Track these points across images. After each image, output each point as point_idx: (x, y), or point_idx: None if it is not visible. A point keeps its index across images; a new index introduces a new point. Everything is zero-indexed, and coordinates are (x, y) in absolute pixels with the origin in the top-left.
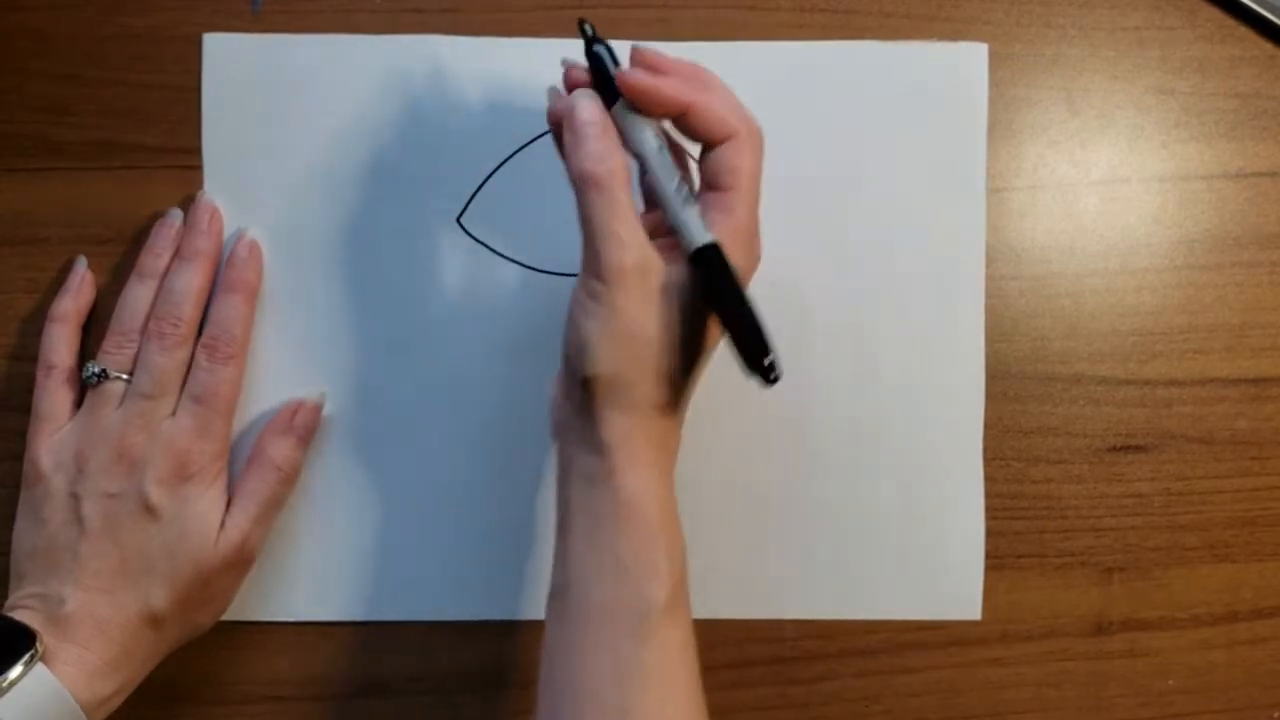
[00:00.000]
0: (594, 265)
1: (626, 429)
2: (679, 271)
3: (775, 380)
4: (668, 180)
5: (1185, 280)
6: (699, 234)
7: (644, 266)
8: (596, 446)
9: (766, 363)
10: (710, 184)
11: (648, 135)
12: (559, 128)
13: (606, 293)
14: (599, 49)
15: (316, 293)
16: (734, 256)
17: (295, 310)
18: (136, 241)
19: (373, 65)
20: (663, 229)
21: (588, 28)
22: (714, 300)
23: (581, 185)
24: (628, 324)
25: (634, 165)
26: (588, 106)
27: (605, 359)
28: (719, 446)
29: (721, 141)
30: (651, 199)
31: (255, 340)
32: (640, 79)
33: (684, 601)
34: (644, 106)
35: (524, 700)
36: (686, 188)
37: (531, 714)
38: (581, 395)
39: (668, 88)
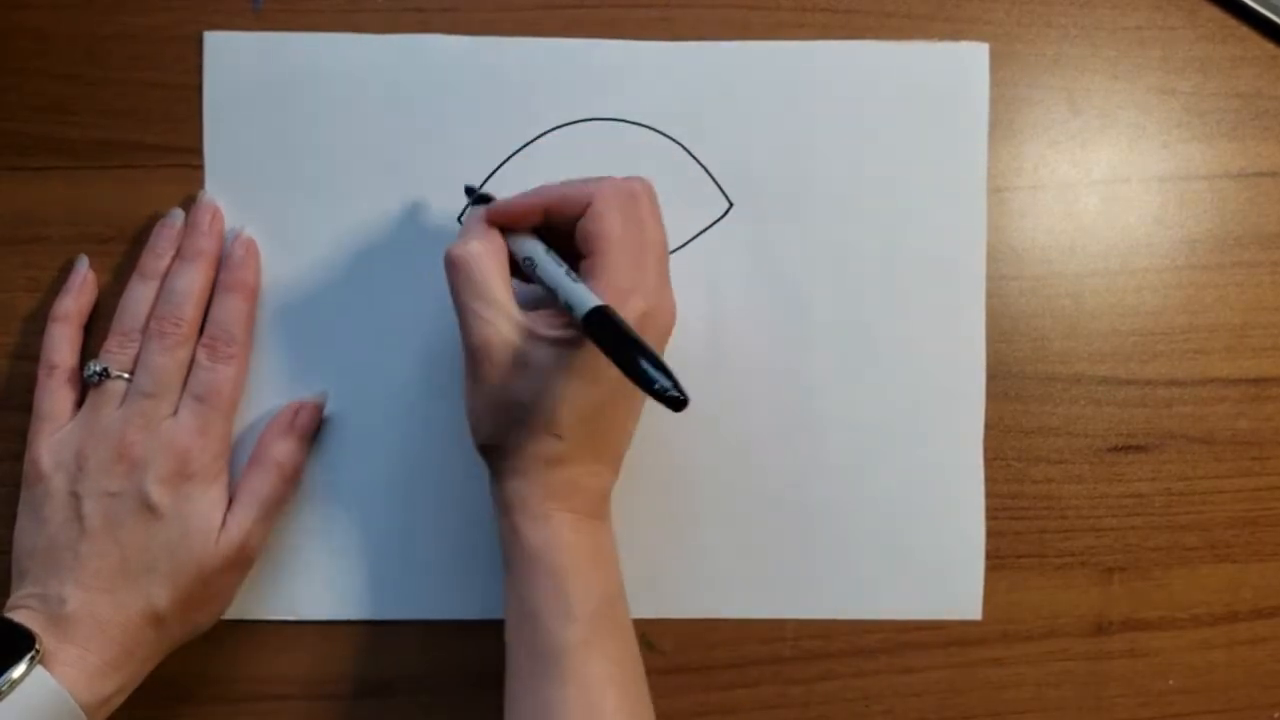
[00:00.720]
0: (463, 341)
1: (521, 489)
2: (572, 336)
3: (683, 403)
4: (554, 270)
5: (1186, 280)
6: (580, 305)
7: (506, 338)
8: (501, 506)
9: (668, 394)
10: (582, 255)
11: (524, 243)
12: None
13: (474, 366)
14: (475, 203)
15: (317, 292)
16: (622, 311)
17: (296, 309)
18: (137, 241)
19: (373, 64)
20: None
21: (469, 193)
22: (609, 355)
23: (446, 269)
24: (496, 394)
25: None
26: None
27: (483, 429)
28: (719, 446)
29: (582, 215)
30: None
31: (256, 339)
32: (496, 207)
33: (607, 631)
34: (510, 224)
35: None
36: (569, 276)
37: None
38: (483, 461)
39: (516, 201)
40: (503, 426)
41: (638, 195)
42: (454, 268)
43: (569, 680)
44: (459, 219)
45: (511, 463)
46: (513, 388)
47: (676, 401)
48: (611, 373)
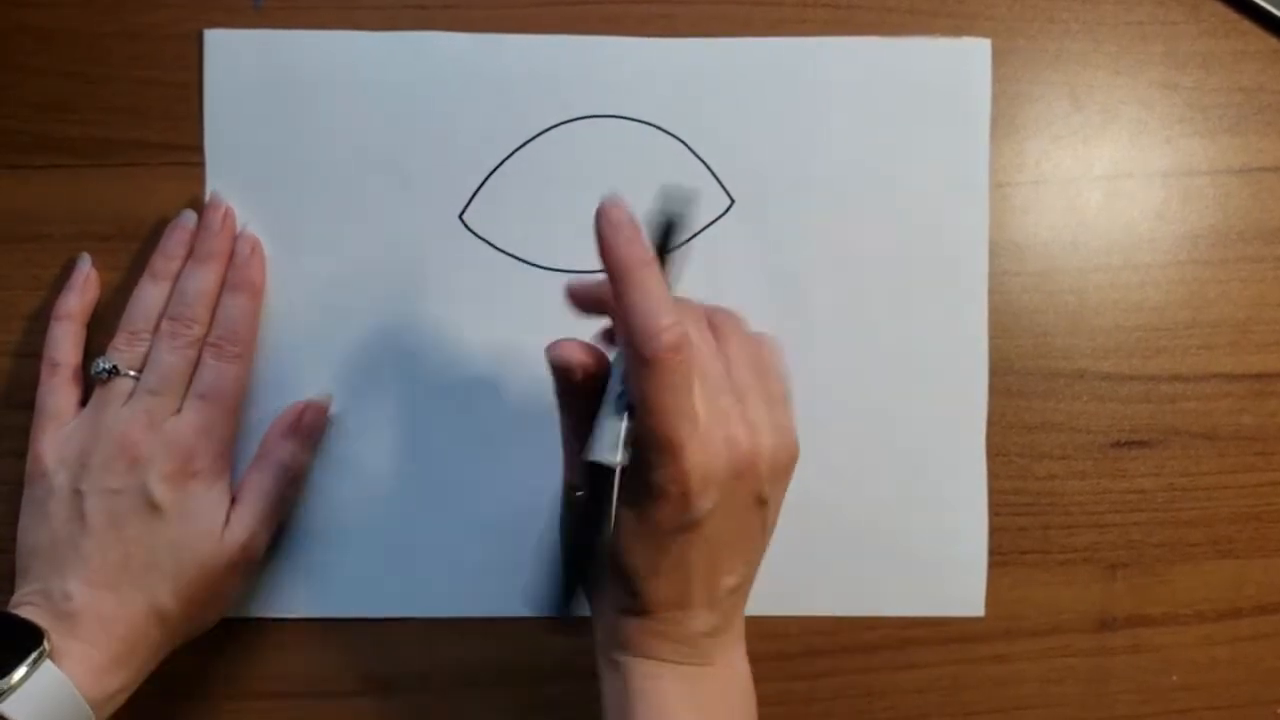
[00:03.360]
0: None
1: (598, 633)
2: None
3: (566, 615)
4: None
5: (1189, 276)
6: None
7: None
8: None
9: (566, 599)
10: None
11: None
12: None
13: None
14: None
15: (320, 290)
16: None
17: (298, 308)
18: (139, 238)
19: (374, 62)
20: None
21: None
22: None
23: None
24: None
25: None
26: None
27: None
28: None
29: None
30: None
31: (259, 339)
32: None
33: None
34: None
35: (527, 697)
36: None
37: (534, 710)
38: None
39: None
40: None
41: (714, 325)
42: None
43: None
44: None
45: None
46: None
47: (560, 608)
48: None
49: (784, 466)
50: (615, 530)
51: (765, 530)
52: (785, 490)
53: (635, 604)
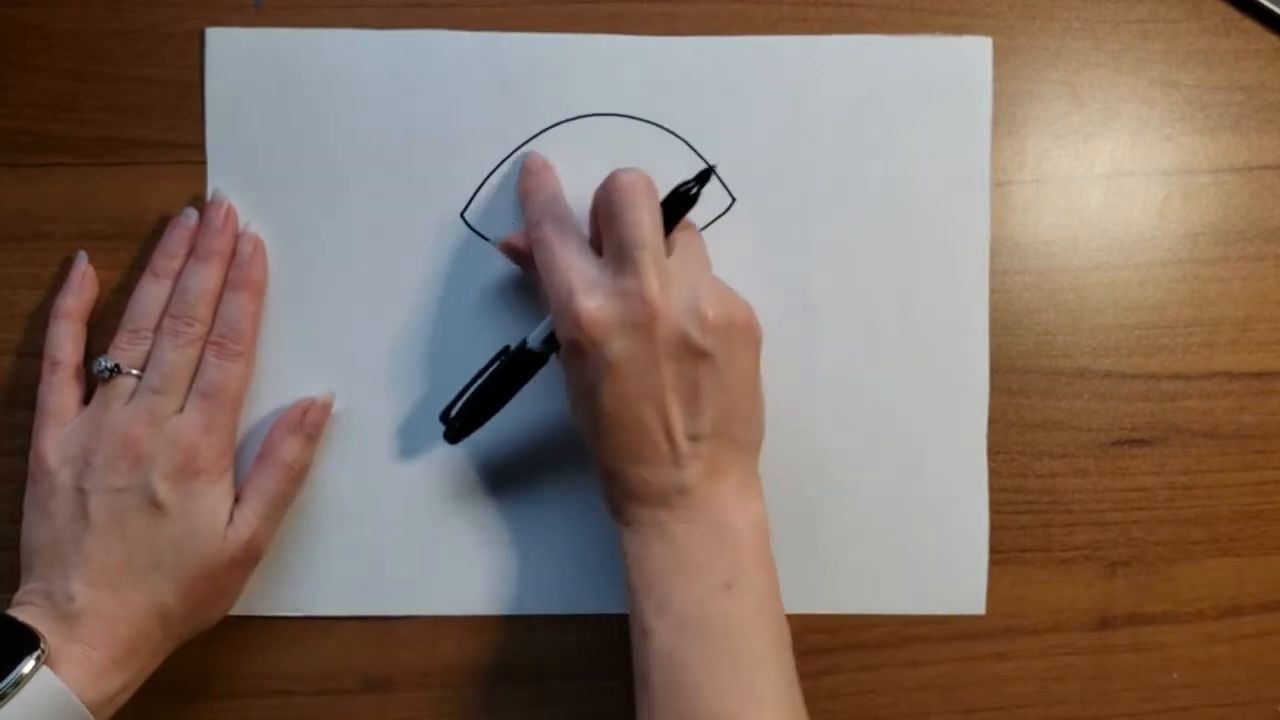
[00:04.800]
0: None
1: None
2: None
3: (449, 438)
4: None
5: (1190, 274)
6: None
7: None
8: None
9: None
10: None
11: None
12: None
13: None
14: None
15: (320, 288)
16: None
17: (300, 306)
18: (140, 237)
19: (376, 60)
20: None
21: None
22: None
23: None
24: None
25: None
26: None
27: None
28: None
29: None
30: None
31: (261, 337)
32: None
33: (694, 639)
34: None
35: (528, 695)
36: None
37: (536, 708)
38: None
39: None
40: None
41: (606, 188)
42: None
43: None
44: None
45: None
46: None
47: (446, 432)
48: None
49: (726, 326)
50: (567, 398)
51: (729, 385)
52: (751, 353)
53: (598, 465)
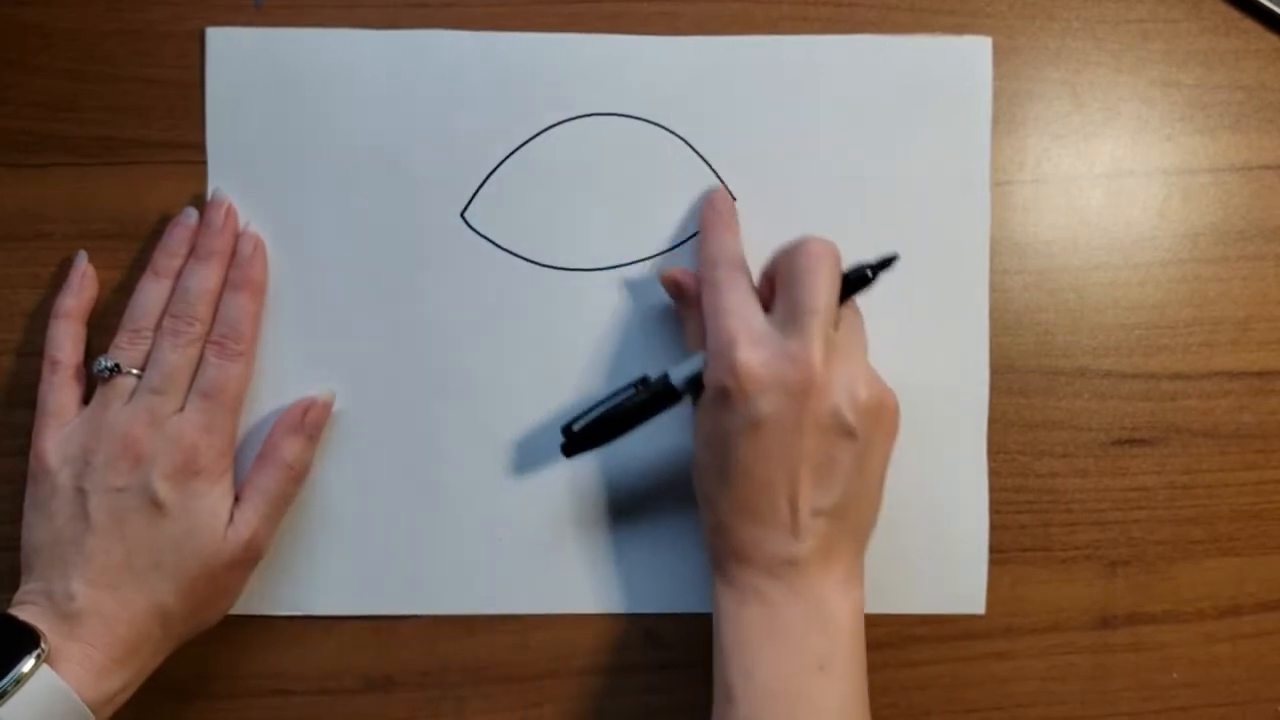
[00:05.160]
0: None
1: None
2: None
3: (566, 450)
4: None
5: (1190, 274)
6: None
7: None
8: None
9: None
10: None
11: None
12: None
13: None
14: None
15: (322, 288)
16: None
17: (300, 306)
18: (140, 237)
19: (376, 59)
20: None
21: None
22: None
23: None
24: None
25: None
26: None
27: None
28: None
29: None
30: None
31: (262, 337)
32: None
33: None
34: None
35: (529, 694)
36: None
37: (535, 707)
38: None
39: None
40: None
41: (795, 250)
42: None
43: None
44: None
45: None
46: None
47: (564, 445)
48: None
49: (876, 411)
50: (695, 441)
51: (864, 469)
52: (889, 444)
53: (711, 517)
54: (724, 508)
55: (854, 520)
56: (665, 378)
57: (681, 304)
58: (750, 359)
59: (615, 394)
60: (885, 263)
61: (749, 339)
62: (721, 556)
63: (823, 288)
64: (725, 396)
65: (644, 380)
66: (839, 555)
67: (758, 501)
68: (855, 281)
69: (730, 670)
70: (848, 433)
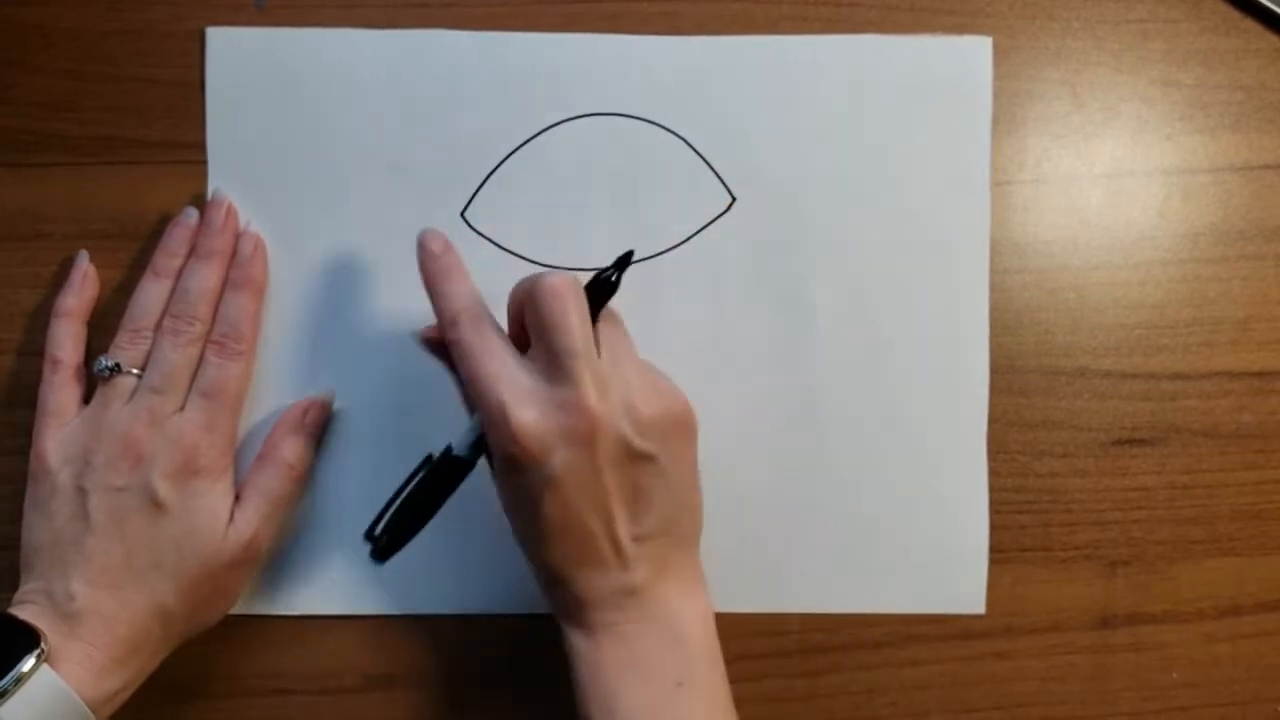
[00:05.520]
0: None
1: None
2: None
3: (377, 557)
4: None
5: (1190, 274)
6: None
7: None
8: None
9: (370, 540)
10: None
11: None
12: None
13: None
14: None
15: (322, 288)
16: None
17: (300, 306)
18: (141, 237)
19: (376, 60)
20: None
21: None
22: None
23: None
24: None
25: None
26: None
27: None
28: (723, 440)
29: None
30: None
31: (261, 337)
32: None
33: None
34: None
35: (527, 693)
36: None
37: (534, 706)
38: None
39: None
40: None
41: (528, 296)
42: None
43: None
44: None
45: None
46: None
47: (372, 551)
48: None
49: (665, 423)
50: (503, 507)
51: (672, 483)
52: (691, 447)
53: (541, 573)
54: (552, 562)
55: (679, 531)
56: (448, 450)
57: (445, 363)
58: (526, 420)
59: (405, 482)
60: (622, 262)
61: (517, 399)
62: (565, 604)
63: (575, 326)
64: (514, 463)
65: (429, 458)
66: (673, 568)
67: (581, 550)
68: (602, 292)
69: (591, 708)
70: (643, 457)
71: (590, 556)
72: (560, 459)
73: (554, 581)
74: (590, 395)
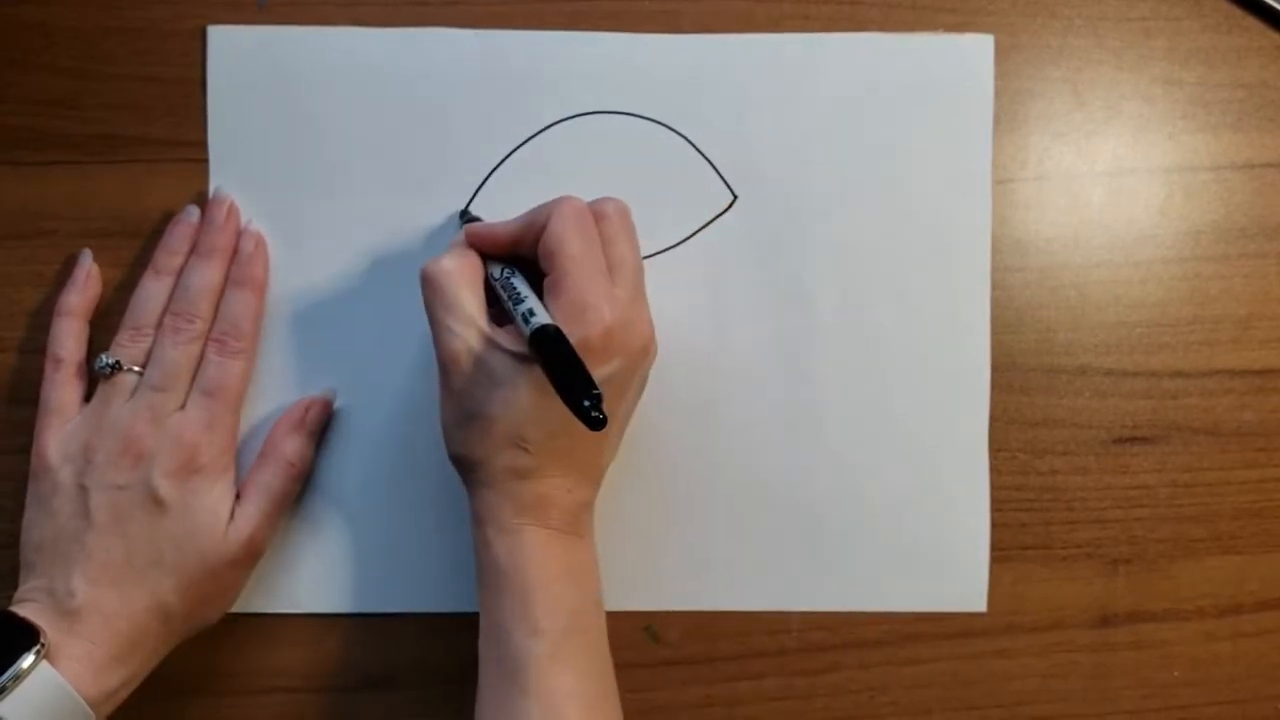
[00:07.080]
0: (436, 354)
1: (491, 501)
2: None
3: (601, 423)
4: (510, 289)
5: (1191, 272)
6: (527, 324)
7: (473, 350)
8: (473, 518)
9: (590, 414)
10: (545, 274)
11: (494, 265)
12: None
13: (444, 378)
14: (465, 223)
15: (323, 287)
16: (570, 327)
17: (302, 304)
18: (142, 235)
19: (377, 58)
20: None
21: (461, 216)
22: (545, 371)
23: (421, 284)
24: (464, 405)
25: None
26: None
27: (454, 440)
28: (724, 438)
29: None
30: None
31: (262, 335)
32: (471, 228)
33: (574, 647)
34: (481, 248)
35: None
36: (528, 295)
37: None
38: (456, 473)
39: (486, 227)
40: (472, 438)
41: (604, 214)
42: (426, 283)
43: (531, 694)
44: (461, 216)
45: (481, 474)
46: (480, 399)
47: (595, 421)
48: None
49: (629, 345)
50: (516, 398)
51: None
52: (641, 378)
53: (530, 463)
54: (543, 457)
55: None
56: (544, 328)
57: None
58: (617, 320)
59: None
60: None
61: (609, 301)
62: (524, 503)
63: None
64: (589, 349)
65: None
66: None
67: (570, 457)
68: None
69: (536, 608)
70: (629, 382)
71: (568, 467)
72: (613, 366)
73: (530, 473)
74: (647, 312)
